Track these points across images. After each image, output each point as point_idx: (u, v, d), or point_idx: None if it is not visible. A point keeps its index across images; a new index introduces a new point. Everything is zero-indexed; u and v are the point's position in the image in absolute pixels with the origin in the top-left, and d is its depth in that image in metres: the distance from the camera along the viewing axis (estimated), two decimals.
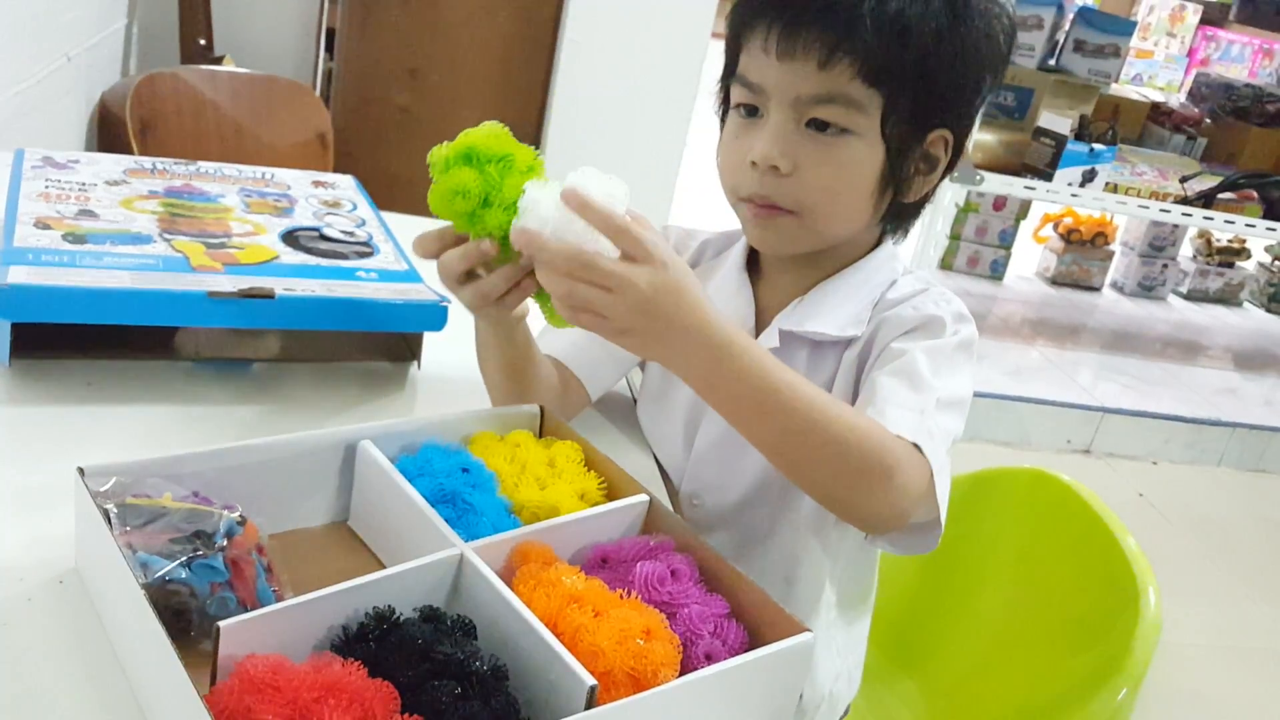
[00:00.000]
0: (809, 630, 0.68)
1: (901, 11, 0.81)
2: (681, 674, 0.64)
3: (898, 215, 0.93)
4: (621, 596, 0.68)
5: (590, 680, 0.59)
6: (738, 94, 0.89)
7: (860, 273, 0.93)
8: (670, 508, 0.80)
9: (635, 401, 1.09)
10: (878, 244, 0.95)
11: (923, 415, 0.80)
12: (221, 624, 0.58)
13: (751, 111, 0.88)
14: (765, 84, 0.86)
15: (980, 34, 0.85)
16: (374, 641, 0.62)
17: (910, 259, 2.97)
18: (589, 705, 0.59)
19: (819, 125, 0.85)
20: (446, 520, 0.72)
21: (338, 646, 0.62)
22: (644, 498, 0.80)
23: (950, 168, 0.91)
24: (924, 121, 0.86)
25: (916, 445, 0.78)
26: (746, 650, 0.69)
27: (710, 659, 0.67)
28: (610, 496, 0.82)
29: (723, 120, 0.95)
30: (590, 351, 1.00)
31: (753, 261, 0.99)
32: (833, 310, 0.92)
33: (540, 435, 0.90)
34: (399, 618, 0.63)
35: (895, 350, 0.86)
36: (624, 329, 0.72)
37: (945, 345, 0.86)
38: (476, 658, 0.61)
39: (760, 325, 0.95)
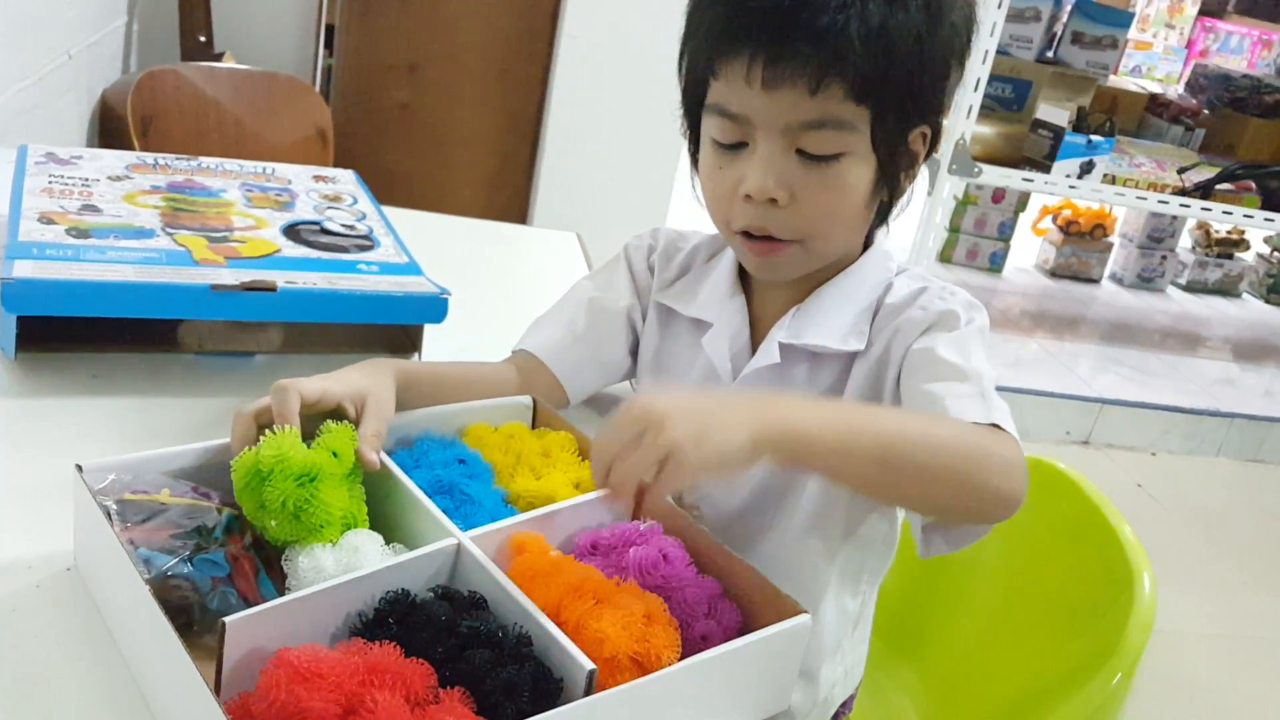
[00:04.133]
0: (805, 611, 0.69)
1: (884, 24, 0.78)
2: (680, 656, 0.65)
3: (886, 211, 0.92)
4: (618, 583, 0.69)
5: (589, 664, 0.60)
6: (716, 126, 0.85)
7: (854, 276, 0.91)
8: None
9: None
10: (868, 243, 0.93)
11: (984, 398, 0.80)
12: (227, 620, 0.59)
13: (737, 145, 0.84)
14: (750, 114, 0.82)
15: (952, 29, 0.83)
16: (396, 624, 0.63)
17: (909, 252, 2.97)
18: (588, 688, 0.60)
19: (813, 155, 0.82)
20: (444, 511, 0.73)
21: (359, 633, 0.63)
22: None
23: (926, 157, 0.90)
24: (907, 125, 0.85)
25: (995, 426, 0.78)
26: (741, 628, 0.71)
27: (706, 639, 0.68)
28: None
29: (692, 143, 0.91)
30: (572, 353, 0.99)
31: (744, 268, 0.96)
32: (829, 319, 0.90)
33: (534, 426, 0.91)
34: (415, 598, 0.64)
35: (920, 352, 0.85)
36: (697, 438, 0.67)
37: (966, 335, 0.85)
38: (500, 628, 0.62)
39: (755, 336, 0.93)
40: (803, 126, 0.81)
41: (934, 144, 0.90)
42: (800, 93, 0.79)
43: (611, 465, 0.69)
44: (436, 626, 0.62)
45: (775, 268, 0.89)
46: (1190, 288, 4.44)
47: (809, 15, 0.77)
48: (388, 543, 0.73)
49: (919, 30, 0.80)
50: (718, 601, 0.71)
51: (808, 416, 0.72)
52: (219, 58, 2.65)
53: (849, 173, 0.83)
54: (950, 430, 0.76)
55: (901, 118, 0.83)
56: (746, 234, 0.86)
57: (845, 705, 1.05)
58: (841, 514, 0.92)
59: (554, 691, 0.61)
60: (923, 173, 0.92)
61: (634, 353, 1.04)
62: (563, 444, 0.86)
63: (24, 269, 0.93)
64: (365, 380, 0.82)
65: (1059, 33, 3.34)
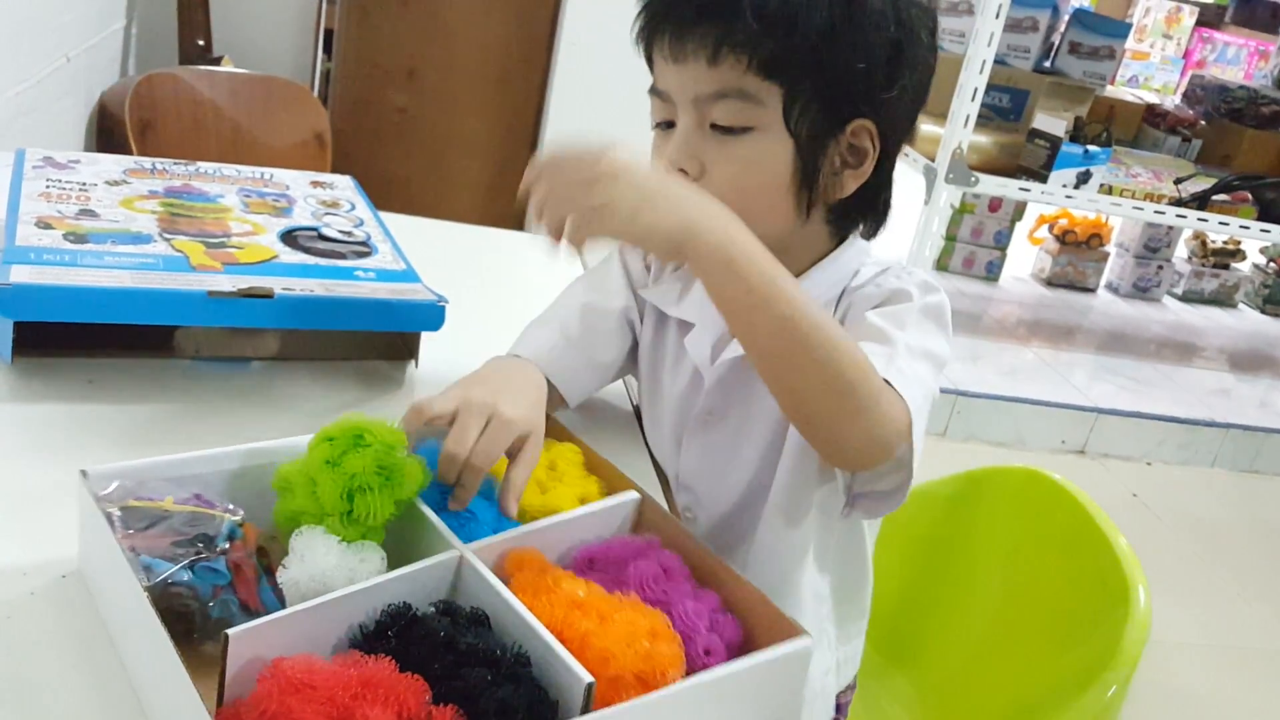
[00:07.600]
0: (807, 634, 0.68)
1: (785, 1, 0.80)
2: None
3: (849, 212, 0.91)
4: (620, 598, 0.68)
5: (587, 677, 0.60)
6: (653, 107, 0.90)
7: (823, 272, 0.92)
8: (658, 503, 0.81)
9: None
10: (840, 245, 0.93)
11: (891, 359, 0.80)
12: (230, 632, 0.58)
13: (668, 125, 0.88)
14: (668, 89, 0.87)
15: (887, 20, 0.83)
16: (395, 637, 0.62)
17: (906, 260, 2.98)
18: (586, 702, 0.60)
19: (722, 126, 0.85)
20: (450, 528, 0.72)
21: (358, 645, 0.63)
22: (634, 495, 0.80)
23: (884, 160, 0.89)
24: (836, 112, 0.85)
25: (888, 382, 0.78)
26: (741, 643, 0.70)
27: (710, 654, 0.67)
28: None
29: None
30: (566, 356, 0.99)
31: None
32: None
33: None
34: (416, 612, 0.64)
35: (859, 321, 0.86)
36: (635, 204, 0.71)
37: (909, 309, 0.85)
38: (499, 646, 0.62)
39: None
40: (709, 98, 0.84)
41: (889, 145, 0.88)
42: (701, 64, 0.83)
43: (551, 189, 0.72)
44: (435, 642, 0.61)
45: None
46: (1186, 298, 4.44)
47: None
48: (389, 557, 0.72)
49: (831, 13, 0.81)
50: (718, 615, 0.71)
51: (739, 244, 0.73)
52: (217, 62, 2.65)
53: (758, 148, 0.85)
54: (854, 345, 0.76)
55: (825, 103, 0.84)
56: None
57: (841, 711, 1.06)
58: (805, 493, 0.92)
59: (549, 714, 0.60)
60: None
61: (632, 351, 1.05)
62: (569, 457, 0.85)
63: (21, 274, 0.93)
64: (534, 416, 0.82)
65: (1056, 43, 3.35)
